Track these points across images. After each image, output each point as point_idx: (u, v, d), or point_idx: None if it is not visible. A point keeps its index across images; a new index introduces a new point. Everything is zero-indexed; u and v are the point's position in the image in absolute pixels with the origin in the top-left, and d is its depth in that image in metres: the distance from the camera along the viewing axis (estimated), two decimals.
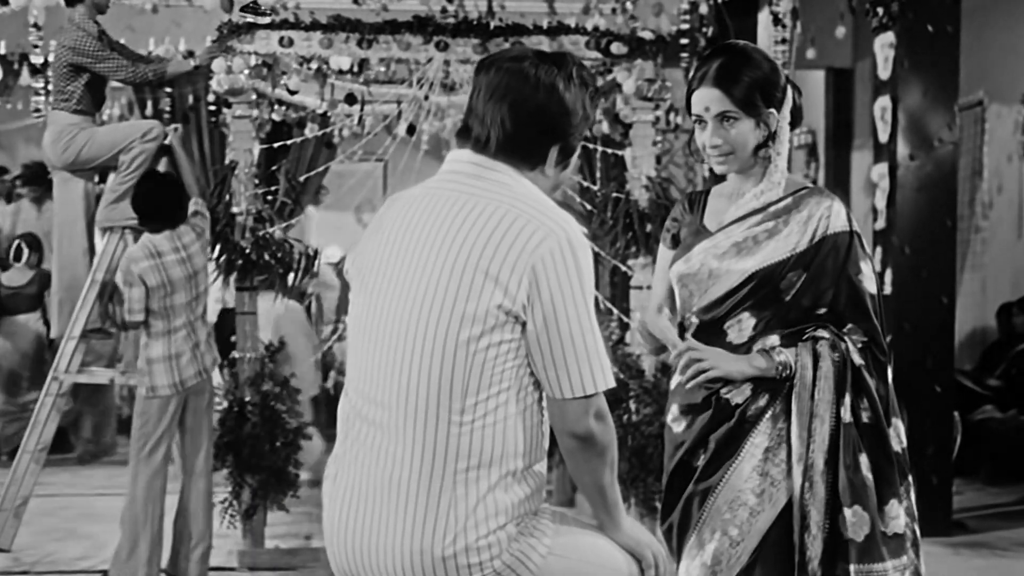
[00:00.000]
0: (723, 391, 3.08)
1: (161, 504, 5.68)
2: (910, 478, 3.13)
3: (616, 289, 9.09)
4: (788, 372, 3.04)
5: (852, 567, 2.97)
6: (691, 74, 3.17)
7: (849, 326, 3.07)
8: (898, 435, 3.10)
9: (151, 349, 5.64)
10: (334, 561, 2.57)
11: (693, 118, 3.12)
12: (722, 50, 3.15)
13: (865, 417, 3.03)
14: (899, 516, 3.03)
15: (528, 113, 2.48)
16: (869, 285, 3.09)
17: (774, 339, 3.07)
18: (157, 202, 5.72)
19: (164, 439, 5.65)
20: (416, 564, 2.40)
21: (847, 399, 3.01)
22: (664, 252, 3.30)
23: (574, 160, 2.62)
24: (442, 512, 2.39)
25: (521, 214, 2.42)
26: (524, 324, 2.41)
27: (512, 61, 2.53)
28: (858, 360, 3.04)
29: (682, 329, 3.23)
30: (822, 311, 3.08)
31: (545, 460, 2.54)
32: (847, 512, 2.97)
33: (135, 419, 5.68)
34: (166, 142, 6.15)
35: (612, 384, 2.46)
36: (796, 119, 3.15)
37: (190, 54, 8.16)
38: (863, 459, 3.00)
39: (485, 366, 2.39)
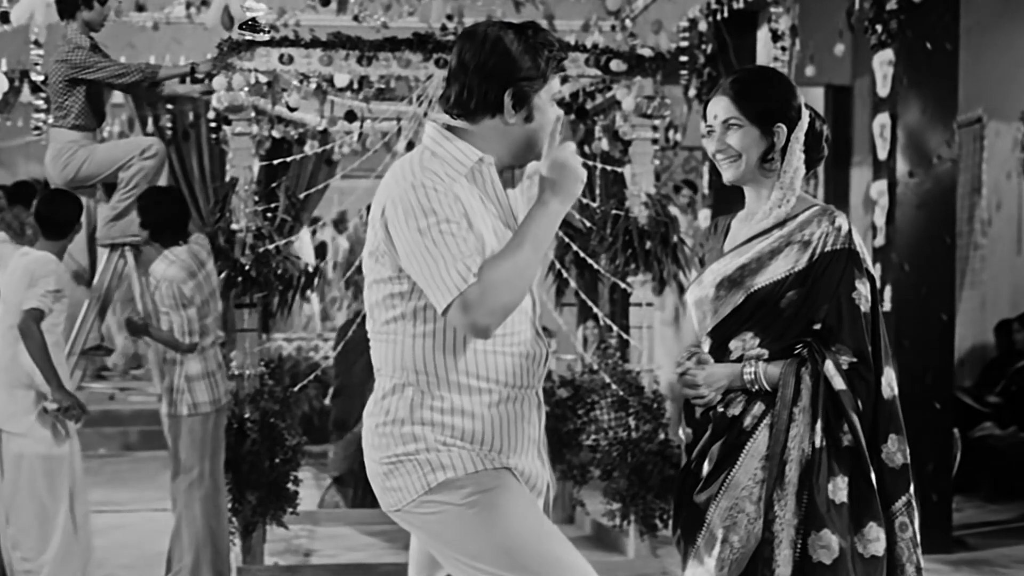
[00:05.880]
0: (719, 406, 3.16)
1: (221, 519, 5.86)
2: (909, 495, 3.13)
3: (616, 306, 9.08)
4: (755, 388, 3.10)
5: None
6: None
7: (838, 345, 3.09)
8: (900, 451, 3.12)
9: (189, 367, 5.69)
10: None
11: (706, 129, 3.21)
12: (741, 69, 3.35)
13: (846, 441, 3.07)
14: (878, 539, 3.05)
15: (476, 65, 2.73)
16: (862, 304, 3.11)
17: (758, 351, 3.12)
18: (164, 214, 5.75)
19: (204, 457, 5.73)
20: (365, 452, 2.94)
21: (820, 424, 3.05)
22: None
23: (544, 115, 2.78)
24: (367, 402, 2.95)
25: (393, 171, 2.79)
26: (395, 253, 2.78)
27: (472, 27, 2.84)
28: (838, 385, 3.06)
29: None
30: (817, 326, 3.11)
31: (467, 395, 2.82)
32: (814, 535, 3.02)
33: (182, 438, 5.72)
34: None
35: (463, 284, 2.67)
36: (817, 147, 3.20)
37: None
38: (839, 482, 3.04)
39: (383, 300, 2.85)
